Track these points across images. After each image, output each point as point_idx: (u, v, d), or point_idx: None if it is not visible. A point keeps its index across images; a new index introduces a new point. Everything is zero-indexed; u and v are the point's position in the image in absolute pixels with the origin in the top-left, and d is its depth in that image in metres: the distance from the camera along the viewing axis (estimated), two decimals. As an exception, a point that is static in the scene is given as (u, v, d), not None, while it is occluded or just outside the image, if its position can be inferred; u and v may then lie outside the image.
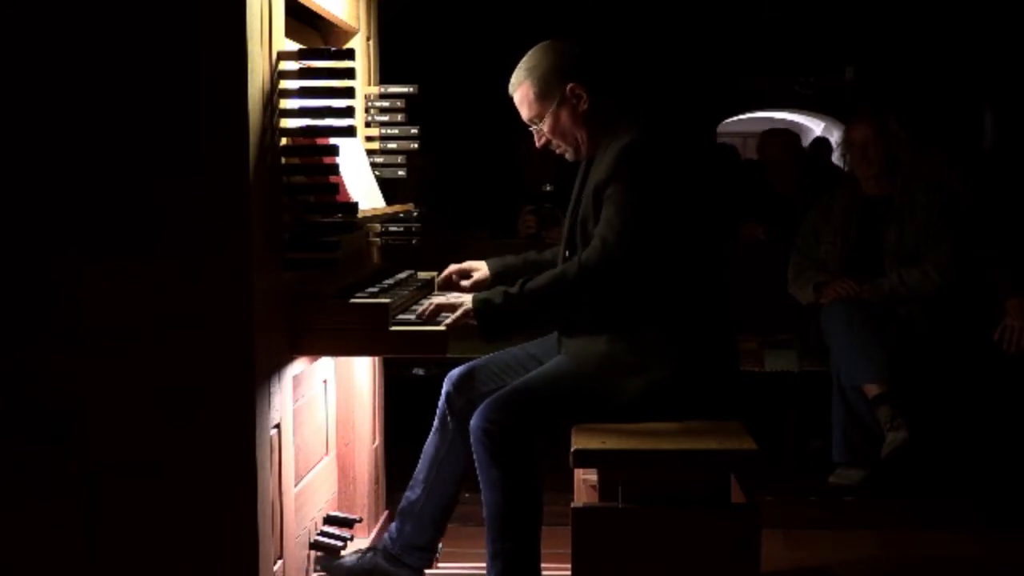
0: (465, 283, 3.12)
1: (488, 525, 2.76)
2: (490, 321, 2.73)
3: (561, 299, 2.75)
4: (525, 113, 2.90)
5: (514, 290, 2.73)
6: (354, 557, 3.02)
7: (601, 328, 2.79)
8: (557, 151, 2.95)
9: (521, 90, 2.88)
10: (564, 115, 2.86)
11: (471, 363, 3.04)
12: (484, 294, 2.77)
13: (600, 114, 2.86)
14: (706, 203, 2.88)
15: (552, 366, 2.86)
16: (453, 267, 3.11)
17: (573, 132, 2.88)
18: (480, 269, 3.11)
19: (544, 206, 5.08)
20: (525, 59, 2.89)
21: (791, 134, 5.74)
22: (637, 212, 2.70)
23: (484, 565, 2.79)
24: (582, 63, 2.86)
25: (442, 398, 3.03)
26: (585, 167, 2.96)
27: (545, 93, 2.85)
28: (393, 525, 3.05)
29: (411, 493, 3.03)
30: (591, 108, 2.85)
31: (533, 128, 2.92)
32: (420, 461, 3.04)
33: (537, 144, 2.95)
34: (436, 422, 3.04)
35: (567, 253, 2.93)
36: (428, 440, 3.04)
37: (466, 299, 2.76)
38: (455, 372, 3.03)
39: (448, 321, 2.69)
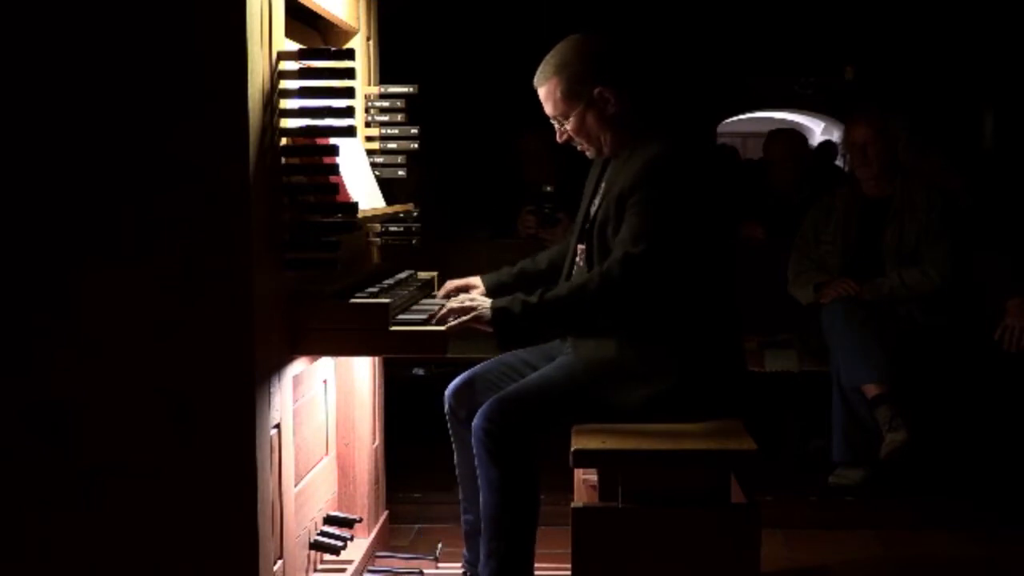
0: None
1: (484, 525, 2.76)
2: (507, 330, 2.71)
3: (580, 310, 2.73)
4: (549, 110, 2.86)
5: (533, 300, 2.71)
6: None
7: (610, 332, 2.77)
8: (578, 148, 2.92)
9: (548, 86, 2.83)
10: (591, 117, 2.82)
11: (468, 373, 3.02)
12: (502, 302, 2.74)
13: (627, 117, 2.83)
14: (723, 213, 2.86)
15: (557, 368, 2.86)
16: (451, 284, 3.10)
17: (598, 134, 2.85)
18: (477, 287, 3.09)
19: (544, 206, 5.07)
20: (554, 53, 2.83)
21: (798, 135, 5.74)
22: (662, 226, 2.67)
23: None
24: (612, 64, 2.82)
25: (447, 413, 3.03)
26: (600, 167, 2.94)
27: (573, 93, 2.80)
28: (465, 552, 3.08)
29: (468, 516, 3.04)
30: (618, 112, 2.81)
31: (555, 124, 2.88)
32: (459, 482, 3.06)
33: (559, 140, 2.91)
34: (454, 441, 3.04)
35: (580, 247, 2.91)
36: (456, 460, 3.05)
37: (480, 303, 2.75)
38: (452, 385, 3.02)
39: (454, 323, 2.68)
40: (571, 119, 2.83)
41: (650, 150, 2.75)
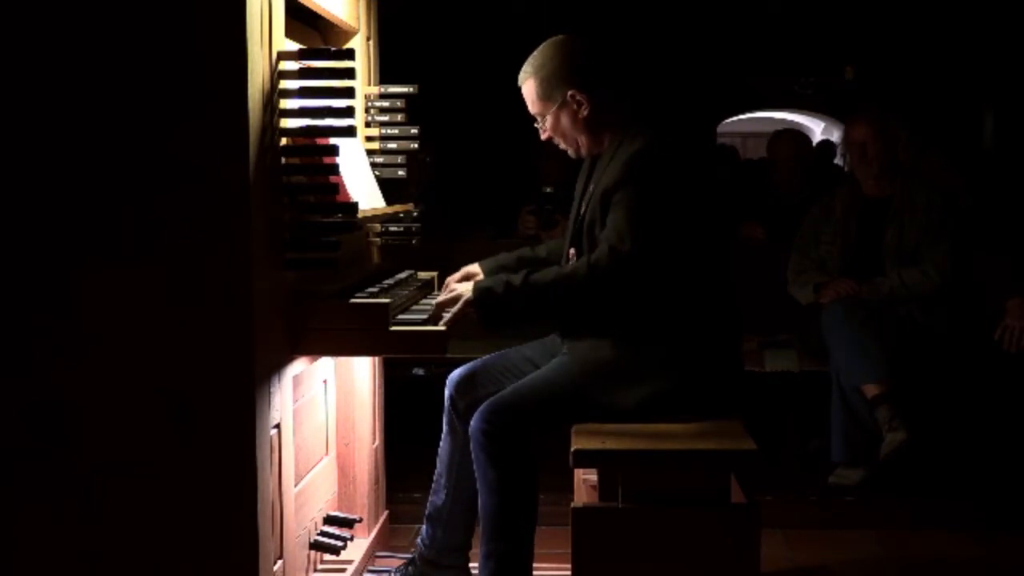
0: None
1: (483, 526, 2.77)
2: (490, 311, 2.72)
3: (564, 297, 2.74)
4: (529, 108, 2.92)
5: (517, 281, 2.72)
6: (397, 574, 3.09)
7: (606, 332, 2.78)
8: (560, 147, 2.97)
9: (526, 87, 2.90)
10: (564, 118, 2.86)
11: (471, 365, 3.05)
12: (486, 282, 2.77)
13: (603, 119, 2.86)
14: (713, 209, 2.88)
15: (553, 369, 2.86)
16: (451, 279, 3.11)
17: (573, 135, 2.89)
18: (477, 274, 3.10)
19: (544, 207, 5.07)
20: (534, 55, 2.89)
21: (802, 135, 5.74)
22: (647, 219, 2.69)
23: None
24: (588, 67, 2.85)
25: (446, 401, 3.04)
26: (589, 166, 2.96)
27: (547, 95, 2.86)
28: (423, 530, 3.08)
29: (436, 498, 3.05)
30: (592, 115, 2.85)
31: (537, 123, 2.94)
32: (437, 464, 3.06)
33: (542, 137, 2.97)
34: (445, 426, 3.06)
35: (572, 250, 2.92)
36: (441, 443, 3.06)
37: (465, 288, 2.77)
38: (455, 375, 3.03)
39: (447, 318, 2.69)
40: (548, 119, 2.88)
41: (633, 146, 2.77)
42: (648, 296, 2.74)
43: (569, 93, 2.83)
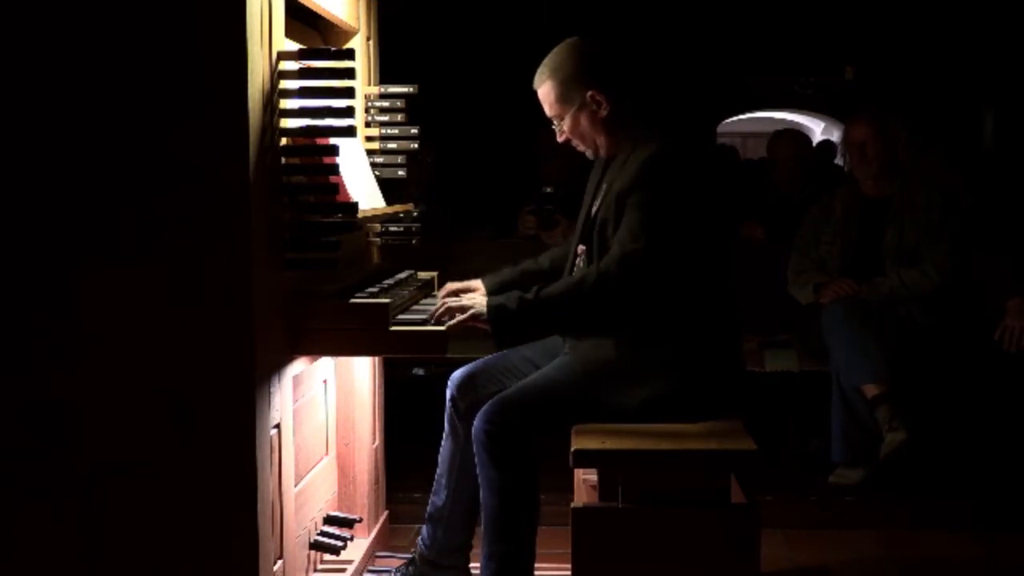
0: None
1: (485, 526, 2.77)
2: (504, 327, 2.73)
3: (577, 307, 2.75)
4: (547, 111, 2.92)
5: (530, 296, 2.73)
6: (397, 574, 3.09)
7: (607, 332, 2.78)
8: (577, 148, 2.97)
9: (543, 89, 2.89)
10: (583, 119, 2.86)
11: (471, 365, 3.05)
12: (499, 299, 2.76)
13: (621, 120, 2.87)
14: (721, 212, 2.89)
15: (556, 369, 2.86)
16: (451, 286, 3.10)
17: (592, 136, 2.89)
18: (479, 289, 3.09)
19: (544, 207, 5.07)
20: (549, 57, 2.89)
21: (802, 135, 5.74)
22: (660, 225, 2.70)
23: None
24: (605, 68, 2.86)
25: (447, 402, 3.04)
26: (603, 166, 2.96)
27: (565, 97, 2.86)
28: (424, 530, 3.08)
29: (436, 498, 3.05)
30: (611, 114, 2.85)
31: (554, 125, 2.93)
32: (439, 465, 3.07)
33: (558, 139, 2.97)
34: (447, 426, 3.06)
35: (581, 247, 2.93)
36: (443, 444, 3.06)
37: (477, 302, 2.76)
38: (456, 375, 3.04)
39: (452, 323, 2.69)
40: (566, 120, 2.88)
41: (648, 150, 2.78)
42: (650, 297, 2.74)
43: (588, 94, 2.84)
